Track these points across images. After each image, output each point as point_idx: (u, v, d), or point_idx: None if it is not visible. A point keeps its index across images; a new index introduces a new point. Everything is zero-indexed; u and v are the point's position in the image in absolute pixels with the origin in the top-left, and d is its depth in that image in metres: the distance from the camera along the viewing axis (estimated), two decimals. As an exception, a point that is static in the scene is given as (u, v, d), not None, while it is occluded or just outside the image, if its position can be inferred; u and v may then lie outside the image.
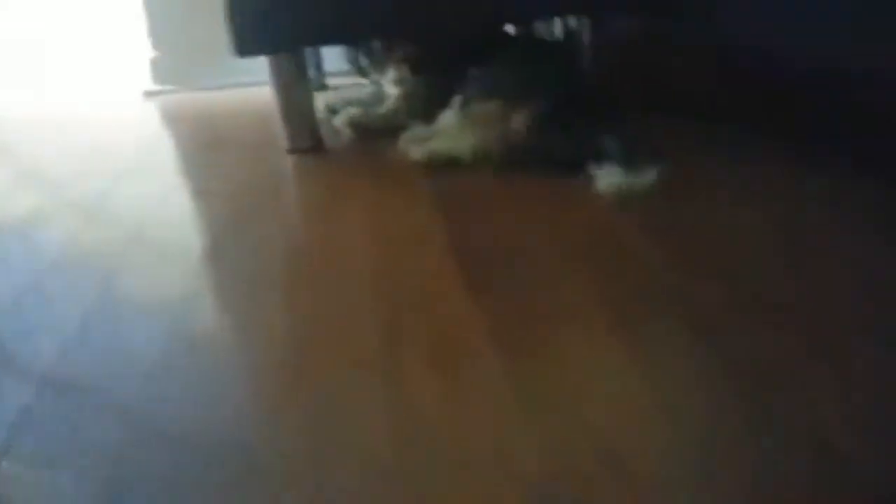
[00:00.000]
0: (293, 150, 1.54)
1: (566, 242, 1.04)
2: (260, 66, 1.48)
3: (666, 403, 0.69)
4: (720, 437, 0.64)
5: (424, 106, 1.55)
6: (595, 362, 0.77)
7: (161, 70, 2.21)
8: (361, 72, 1.72)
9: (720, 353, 0.75)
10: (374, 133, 1.59)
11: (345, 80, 1.97)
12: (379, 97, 1.70)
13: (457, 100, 1.45)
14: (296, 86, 1.49)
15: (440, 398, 0.73)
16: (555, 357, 0.78)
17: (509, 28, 1.85)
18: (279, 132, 1.54)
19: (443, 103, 1.48)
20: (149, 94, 2.23)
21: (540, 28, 1.77)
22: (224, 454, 0.67)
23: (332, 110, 1.71)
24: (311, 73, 2.05)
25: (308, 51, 1.98)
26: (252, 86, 2.02)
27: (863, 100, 1.11)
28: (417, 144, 1.41)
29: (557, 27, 1.75)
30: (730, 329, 0.79)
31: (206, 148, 1.72)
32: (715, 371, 0.73)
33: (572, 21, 1.69)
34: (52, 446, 0.70)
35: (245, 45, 1.39)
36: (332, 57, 1.97)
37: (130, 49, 2.22)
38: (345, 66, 1.85)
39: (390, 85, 1.65)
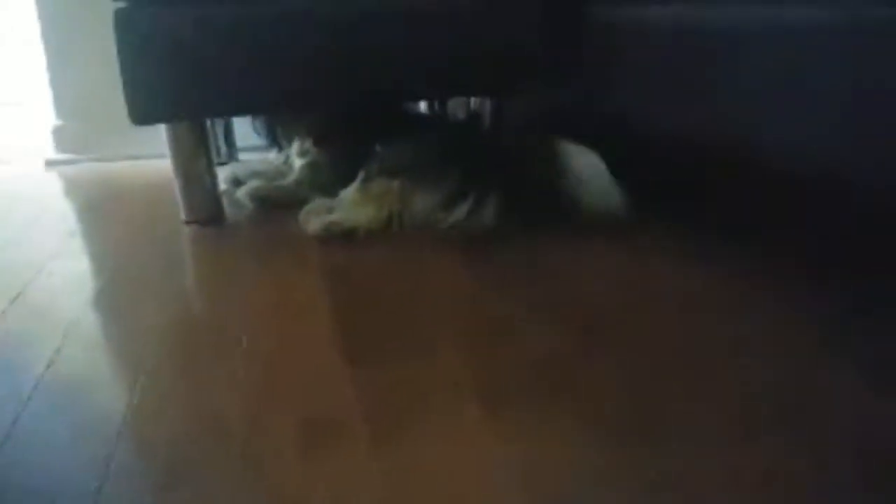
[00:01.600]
0: (190, 222, 1.49)
1: (447, 313, 1.03)
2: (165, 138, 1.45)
3: (529, 482, 0.66)
4: None
5: (328, 179, 1.54)
6: (465, 441, 0.73)
7: (64, 139, 2.15)
8: (269, 141, 1.71)
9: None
10: (277, 206, 1.56)
11: (257, 154, 1.95)
12: (284, 170, 1.68)
13: (360, 175, 1.45)
14: (195, 156, 1.46)
15: (301, 464, 0.68)
16: (424, 434, 0.74)
17: (419, 107, 1.89)
18: (179, 203, 1.50)
19: (346, 178, 1.48)
20: (50, 164, 2.15)
21: (450, 107, 1.80)
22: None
23: (236, 181, 1.68)
24: (221, 145, 2.04)
25: (217, 123, 1.96)
26: (157, 158, 1.97)
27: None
28: (317, 217, 1.39)
29: (465, 106, 1.79)
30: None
31: (100, 217, 1.66)
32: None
33: (475, 101, 1.73)
34: None
35: (140, 113, 1.36)
36: (245, 130, 1.96)
37: (34, 118, 2.15)
38: (256, 139, 1.84)
39: (295, 157, 1.64)
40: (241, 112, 1.64)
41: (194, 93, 1.37)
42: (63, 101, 2.11)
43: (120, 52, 1.31)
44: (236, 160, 2.08)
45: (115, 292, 1.19)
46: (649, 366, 0.86)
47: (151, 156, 2.05)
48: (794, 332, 0.93)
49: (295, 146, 1.66)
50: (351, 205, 1.40)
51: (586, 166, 1.34)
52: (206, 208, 1.49)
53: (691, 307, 1.02)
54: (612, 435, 0.72)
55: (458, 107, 1.80)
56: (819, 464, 0.67)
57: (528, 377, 0.85)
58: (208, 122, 1.60)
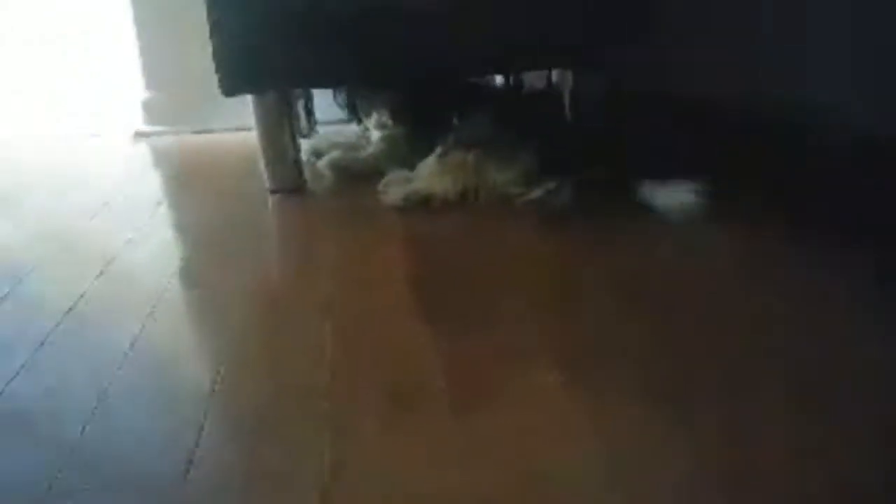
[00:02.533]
0: (275, 191, 1.54)
1: (527, 280, 1.05)
2: (250, 110, 1.50)
3: (610, 447, 0.67)
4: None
5: (405, 152, 1.57)
6: (542, 406, 0.75)
7: (153, 111, 2.24)
8: (349, 115, 1.75)
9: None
10: (356, 177, 1.60)
11: (335, 127, 1.99)
12: (363, 143, 1.72)
13: (437, 148, 1.47)
14: (280, 127, 1.51)
15: (386, 431, 0.71)
16: (502, 398, 0.76)
17: (495, 80, 1.89)
18: (263, 173, 1.55)
19: (423, 150, 1.50)
20: (140, 135, 2.25)
21: (526, 79, 1.80)
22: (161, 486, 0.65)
23: (317, 153, 1.73)
24: (302, 117, 2.09)
25: (298, 95, 2.01)
26: (243, 130, 2.03)
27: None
28: (395, 187, 1.42)
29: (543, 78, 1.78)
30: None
31: (189, 186, 1.74)
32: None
33: (555, 73, 1.72)
34: None
35: (231, 84, 1.41)
36: (325, 103, 2.00)
37: (124, 89, 2.25)
38: (335, 113, 1.88)
39: (374, 130, 1.67)
40: (324, 84, 1.68)
41: (282, 64, 1.41)
42: (153, 72, 2.20)
43: (211, 23, 1.36)
44: (316, 133, 2.13)
45: (202, 260, 1.24)
46: (713, 335, 0.86)
47: (238, 128, 2.11)
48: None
49: (373, 119, 1.69)
50: (428, 176, 1.42)
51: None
52: (289, 178, 1.54)
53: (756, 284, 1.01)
54: (670, 400, 0.73)
55: (536, 80, 1.79)
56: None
57: (605, 346, 0.86)
58: (292, 95, 1.65)
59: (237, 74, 1.40)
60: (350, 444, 0.70)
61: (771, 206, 1.24)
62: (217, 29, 1.37)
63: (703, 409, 0.72)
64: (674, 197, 1.27)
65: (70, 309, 1.04)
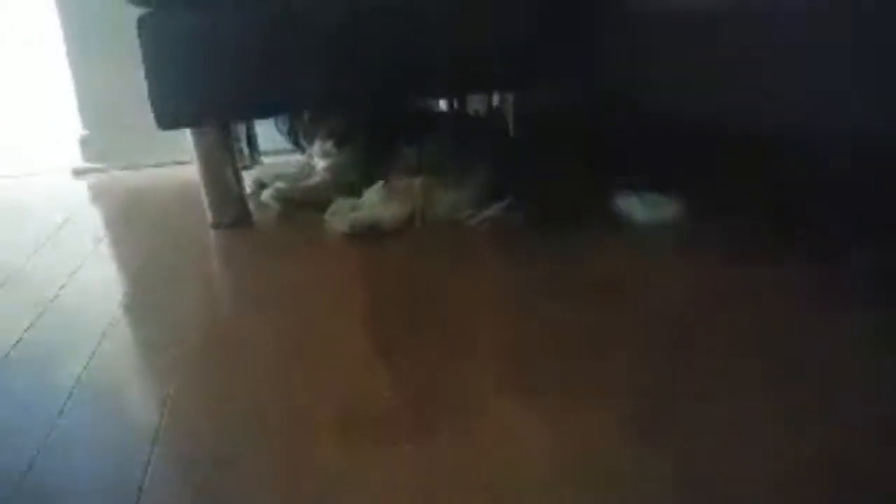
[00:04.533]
0: (217, 225, 1.51)
1: (476, 305, 1.04)
2: (190, 143, 1.47)
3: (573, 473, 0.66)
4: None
5: (351, 179, 1.55)
6: (500, 430, 0.74)
7: (90, 148, 2.18)
8: (292, 144, 1.73)
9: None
10: (302, 207, 1.58)
11: (280, 157, 1.97)
12: (307, 171, 1.70)
13: (382, 174, 1.46)
14: (220, 160, 1.47)
15: (343, 460, 0.69)
16: (461, 425, 0.75)
17: (439, 105, 1.90)
18: (206, 208, 1.52)
19: (369, 177, 1.49)
20: (78, 172, 2.19)
21: (470, 103, 1.80)
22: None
23: (261, 184, 1.70)
24: (244, 149, 2.06)
25: (240, 127, 1.98)
26: (183, 164, 2.00)
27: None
28: (342, 216, 1.40)
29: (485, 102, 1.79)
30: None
31: (128, 223, 1.69)
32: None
33: (496, 96, 1.73)
34: None
35: (166, 118, 1.38)
36: (268, 134, 1.98)
37: (60, 127, 2.19)
38: (277, 143, 1.86)
39: (318, 159, 1.65)
40: (263, 114, 1.66)
41: (218, 96, 1.39)
42: (89, 110, 2.15)
43: (145, 58, 1.33)
44: (259, 164, 2.11)
45: (146, 295, 1.20)
46: (685, 359, 0.85)
47: (177, 162, 2.08)
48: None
49: (317, 147, 1.67)
50: (375, 202, 1.41)
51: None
52: (232, 211, 1.50)
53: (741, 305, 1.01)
54: (638, 418, 0.72)
55: (478, 103, 1.80)
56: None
57: (560, 368, 0.85)
58: (232, 126, 1.62)
59: (172, 108, 1.37)
60: (306, 474, 0.67)
61: (742, 218, 1.25)
62: (150, 63, 1.34)
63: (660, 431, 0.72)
64: (636, 209, 1.29)
65: (15, 344, 1.00)
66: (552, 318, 0.97)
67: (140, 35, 1.33)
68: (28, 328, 1.06)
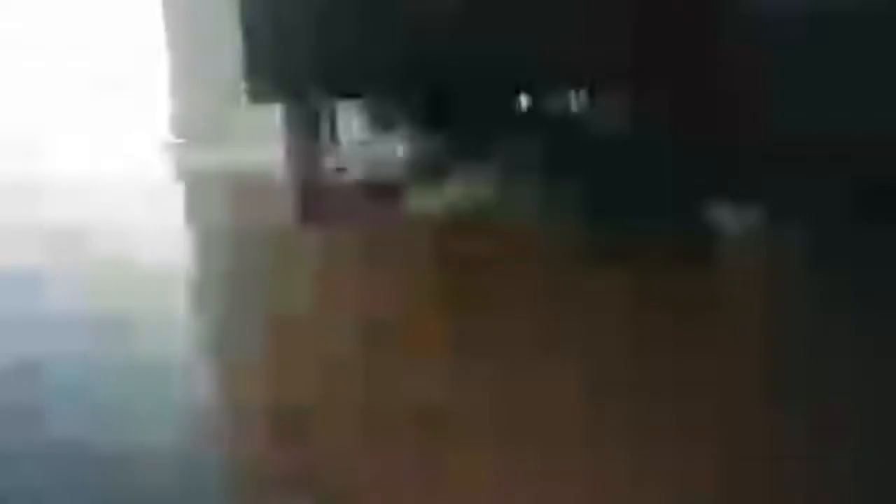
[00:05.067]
0: (299, 203, 1.52)
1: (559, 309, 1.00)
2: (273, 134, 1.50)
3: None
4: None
5: (432, 166, 1.54)
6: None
7: (180, 125, 2.24)
8: (376, 129, 1.73)
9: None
10: (381, 192, 1.58)
11: (357, 143, 1.98)
12: (388, 155, 1.70)
13: (466, 166, 1.45)
14: (305, 137, 1.49)
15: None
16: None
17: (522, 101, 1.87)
18: (289, 184, 1.53)
19: (452, 167, 1.48)
20: (166, 147, 2.25)
21: (553, 100, 1.77)
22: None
23: (342, 168, 1.71)
24: (326, 133, 2.08)
25: (324, 110, 2.00)
26: (269, 143, 2.02)
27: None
28: (421, 202, 1.39)
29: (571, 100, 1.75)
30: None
31: (212, 194, 1.72)
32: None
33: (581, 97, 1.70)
34: None
35: (257, 92, 1.40)
36: (347, 125, 1.99)
37: (152, 103, 2.26)
38: (359, 134, 1.87)
39: (400, 145, 1.65)
40: (350, 94, 1.67)
41: (312, 74, 1.40)
42: (181, 88, 2.20)
43: (243, 29, 1.35)
44: (340, 148, 2.12)
45: (218, 273, 1.20)
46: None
47: (264, 142, 2.10)
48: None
49: (400, 135, 1.67)
50: (457, 192, 1.39)
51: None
52: (314, 190, 1.52)
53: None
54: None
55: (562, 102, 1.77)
56: None
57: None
58: (320, 108, 1.64)
59: (263, 84, 1.39)
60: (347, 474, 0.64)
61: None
62: (248, 36, 1.36)
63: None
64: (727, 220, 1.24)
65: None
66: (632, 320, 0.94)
67: (241, 7, 1.35)
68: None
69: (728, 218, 1.25)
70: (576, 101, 1.75)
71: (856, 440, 0.61)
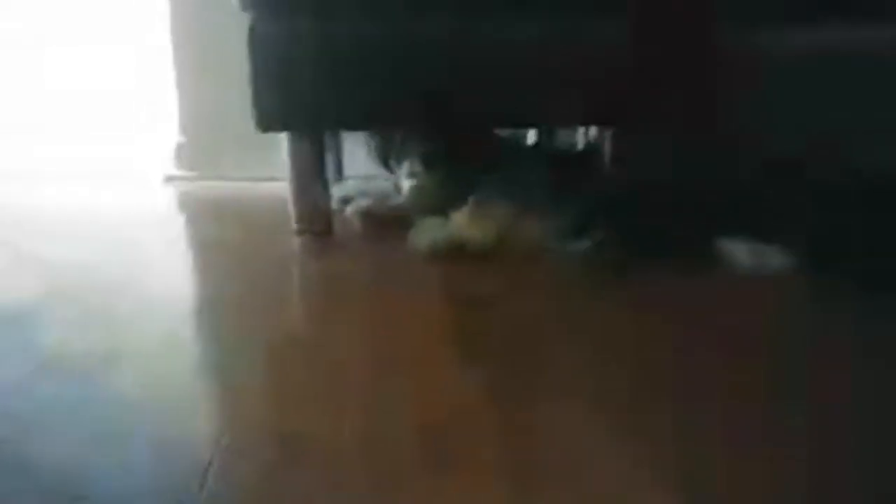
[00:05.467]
0: (301, 232, 1.51)
1: (577, 341, 0.98)
2: (282, 158, 1.49)
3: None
4: None
5: (437, 202, 1.53)
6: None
7: (184, 156, 2.24)
8: (381, 163, 1.73)
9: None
10: (385, 225, 1.57)
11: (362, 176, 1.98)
12: (392, 192, 1.69)
13: (471, 199, 1.44)
14: (311, 168, 1.49)
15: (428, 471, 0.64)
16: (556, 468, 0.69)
17: (530, 137, 1.88)
18: (291, 215, 1.52)
19: (455, 201, 1.47)
20: (169, 179, 2.25)
21: (561, 137, 1.78)
22: None
23: (345, 200, 1.70)
24: (330, 164, 2.08)
25: (329, 142, 2.01)
26: (272, 180, 2.01)
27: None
28: (427, 233, 1.38)
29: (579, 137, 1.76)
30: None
31: (213, 223, 1.71)
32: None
33: (593, 131, 1.70)
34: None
35: (266, 121, 1.40)
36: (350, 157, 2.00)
37: (156, 133, 2.26)
38: (360, 168, 1.87)
39: (404, 178, 1.64)
40: (359, 128, 1.67)
41: (319, 105, 1.40)
42: (188, 117, 2.21)
43: (252, 61, 1.36)
44: (345, 181, 2.12)
45: (220, 302, 1.17)
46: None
47: (268, 178, 2.10)
48: None
49: (405, 168, 1.67)
50: (461, 224, 1.38)
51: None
52: (317, 220, 1.51)
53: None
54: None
55: (569, 137, 1.78)
56: None
57: (673, 413, 0.79)
58: (326, 140, 1.63)
59: (274, 112, 1.39)
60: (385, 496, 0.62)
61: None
62: (256, 67, 1.36)
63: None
64: (741, 255, 1.23)
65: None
66: (658, 361, 0.91)
67: (249, 39, 1.36)
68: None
69: (743, 253, 1.24)
70: (584, 136, 1.76)
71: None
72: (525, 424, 0.75)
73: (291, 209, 1.51)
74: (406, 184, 1.65)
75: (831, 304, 1.09)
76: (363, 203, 1.64)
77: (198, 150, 2.23)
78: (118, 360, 0.91)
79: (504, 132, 1.73)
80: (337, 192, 1.78)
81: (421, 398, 0.79)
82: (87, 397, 0.81)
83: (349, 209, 1.63)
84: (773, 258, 1.21)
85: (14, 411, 0.78)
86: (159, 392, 0.83)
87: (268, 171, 2.02)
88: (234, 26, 1.39)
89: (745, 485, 0.62)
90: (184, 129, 2.23)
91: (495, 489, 0.62)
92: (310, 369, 0.89)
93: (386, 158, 1.72)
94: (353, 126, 1.65)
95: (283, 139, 1.47)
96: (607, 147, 1.62)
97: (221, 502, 0.60)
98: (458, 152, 1.61)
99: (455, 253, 1.32)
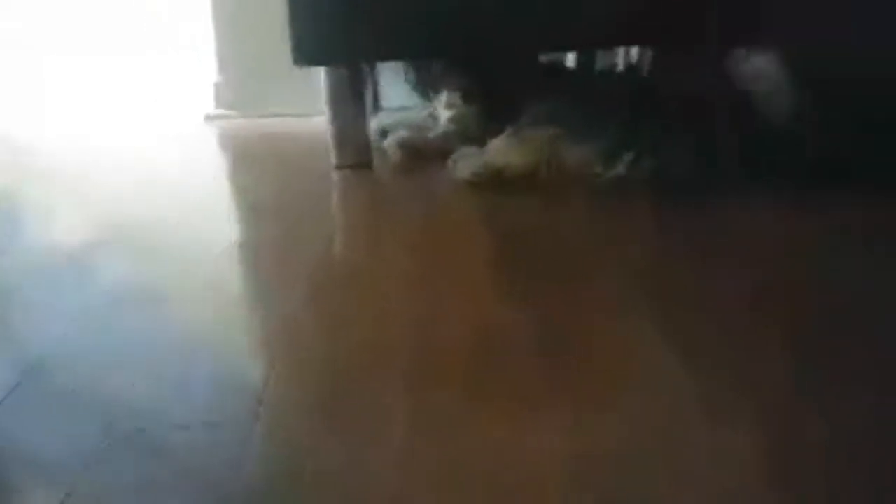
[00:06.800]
0: (341, 166, 1.52)
1: (616, 264, 0.98)
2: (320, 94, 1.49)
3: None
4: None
5: (475, 131, 1.53)
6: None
7: (224, 94, 2.25)
8: (419, 94, 1.72)
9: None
10: (423, 156, 1.56)
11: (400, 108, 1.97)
12: (429, 122, 1.68)
13: (509, 128, 1.42)
14: (349, 100, 1.49)
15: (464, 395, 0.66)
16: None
17: (568, 61, 1.84)
18: (330, 149, 1.53)
19: (495, 130, 1.45)
20: (209, 118, 2.26)
21: (600, 59, 1.74)
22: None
23: (383, 132, 1.70)
24: (368, 96, 2.07)
25: (367, 73, 1.99)
26: (311, 115, 2.01)
27: None
28: (466, 161, 1.38)
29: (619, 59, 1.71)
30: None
31: (254, 162, 1.74)
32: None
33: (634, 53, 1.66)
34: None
35: (304, 55, 1.39)
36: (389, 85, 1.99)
37: (196, 73, 2.27)
38: (398, 100, 1.86)
39: (442, 109, 1.63)
40: (396, 58, 1.66)
41: (354, 37, 1.39)
42: (226, 56, 2.21)
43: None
44: (382, 112, 2.11)
45: (265, 237, 1.20)
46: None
47: (306, 114, 2.10)
48: None
49: (442, 99, 1.65)
50: (500, 150, 1.37)
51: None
52: (356, 154, 1.51)
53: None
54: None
55: (611, 60, 1.73)
56: None
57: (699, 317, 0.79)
58: (364, 71, 1.62)
59: (311, 45, 1.38)
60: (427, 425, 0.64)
61: None
62: (293, 1, 1.35)
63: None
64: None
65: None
66: (686, 274, 0.92)
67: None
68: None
69: None
70: (623, 58, 1.71)
71: None
72: (569, 341, 0.76)
73: (330, 143, 1.52)
74: (444, 114, 1.63)
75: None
76: (402, 134, 1.63)
77: (237, 88, 2.23)
78: (170, 296, 0.95)
79: (543, 57, 1.70)
80: (375, 123, 1.78)
81: (468, 320, 0.81)
82: (141, 332, 0.85)
83: (388, 141, 1.63)
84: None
85: (71, 347, 0.81)
86: (211, 326, 0.86)
87: (306, 107, 2.02)
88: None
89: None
90: (222, 67, 2.23)
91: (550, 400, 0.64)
92: (356, 298, 0.91)
93: (424, 89, 1.70)
94: (390, 57, 1.64)
95: (320, 73, 1.47)
96: (649, 68, 1.58)
97: (275, 432, 0.63)
98: (496, 80, 1.59)
99: (496, 180, 1.32)
